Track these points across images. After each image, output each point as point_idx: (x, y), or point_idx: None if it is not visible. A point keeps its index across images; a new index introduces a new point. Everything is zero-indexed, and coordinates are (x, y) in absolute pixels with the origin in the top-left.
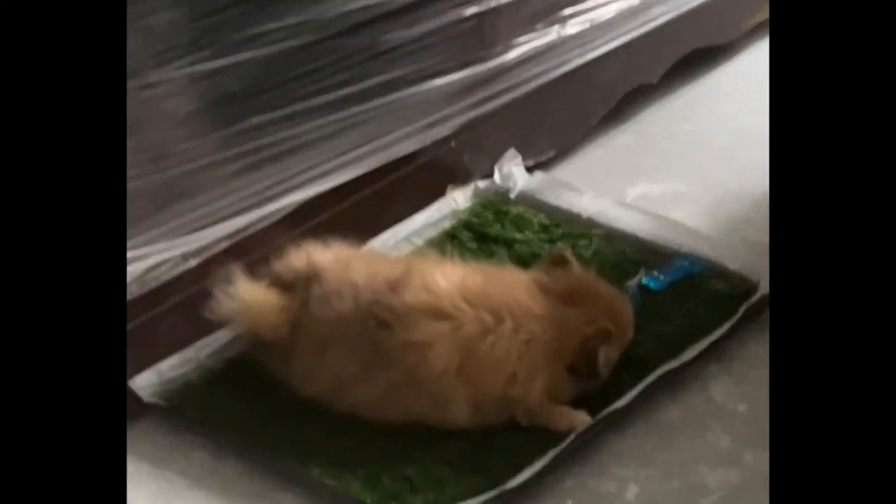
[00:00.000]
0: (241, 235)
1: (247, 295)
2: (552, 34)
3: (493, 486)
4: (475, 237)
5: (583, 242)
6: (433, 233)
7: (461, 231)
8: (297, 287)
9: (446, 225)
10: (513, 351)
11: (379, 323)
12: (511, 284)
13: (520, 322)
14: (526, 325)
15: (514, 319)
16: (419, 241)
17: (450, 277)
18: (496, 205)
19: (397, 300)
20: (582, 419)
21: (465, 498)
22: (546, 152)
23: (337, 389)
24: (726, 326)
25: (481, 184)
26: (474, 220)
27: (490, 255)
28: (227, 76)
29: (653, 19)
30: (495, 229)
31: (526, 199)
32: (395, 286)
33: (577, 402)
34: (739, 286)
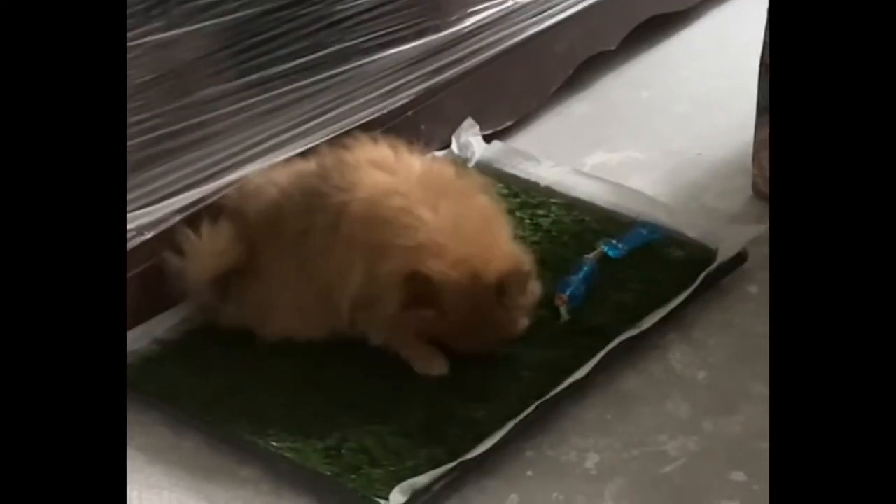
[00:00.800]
0: (196, 208)
1: (197, 240)
2: (508, 2)
3: (453, 458)
4: None
5: (541, 212)
6: None
7: None
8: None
9: None
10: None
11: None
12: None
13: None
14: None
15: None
16: None
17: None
18: None
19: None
20: (439, 367)
21: (424, 469)
22: (503, 121)
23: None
24: (685, 294)
25: (439, 153)
26: None
27: None
28: (180, 46)
29: None
30: None
31: (484, 168)
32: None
33: (536, 367)
34: (698, 253)
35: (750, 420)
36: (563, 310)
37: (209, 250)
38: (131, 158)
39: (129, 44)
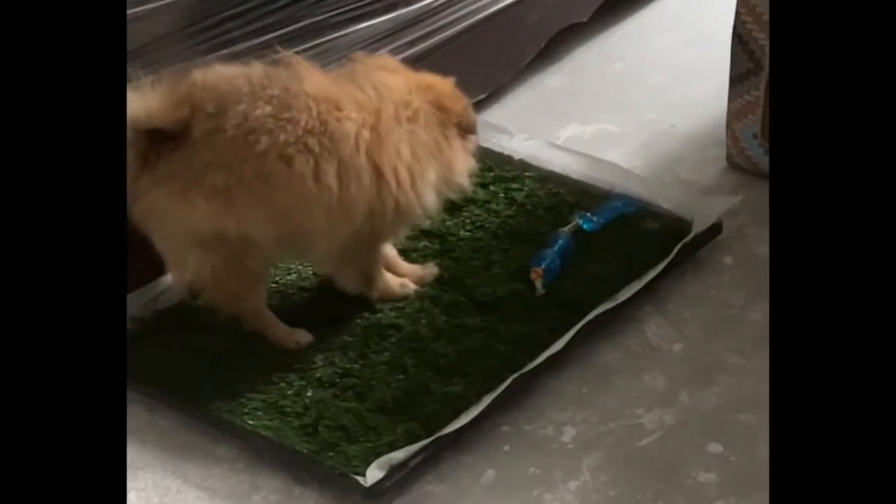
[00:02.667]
0: None
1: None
2: None
3: (429, 433)
4: None
5: (515, 185)
6: None
7: None
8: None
9: None
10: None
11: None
12: None
13: None
14: None
15: None
16: None
17: None
18: None
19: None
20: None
21: (401, 445)
22: (476, 94)
23: None
24: (660, 266)
25: None
26: None
27: None
28: (150, 21)
29: None
30: None
31: None
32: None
33: (510, 349)
34: (673, 225)
35: (726, 392)
36: (538, 283)
37: (154, 98)
38: None
39: None
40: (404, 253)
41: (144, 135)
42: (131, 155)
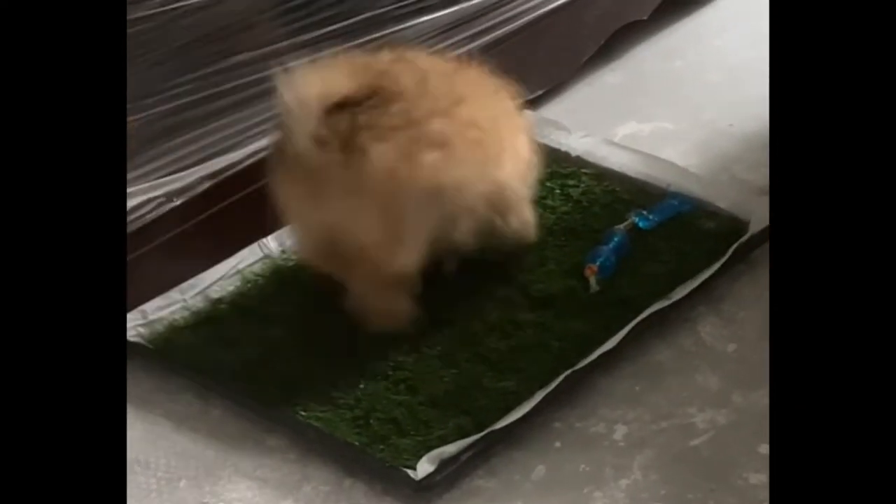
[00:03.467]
0: (227, 174)
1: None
2: None
3: (481, 428)
4: None
5: (571, 182)
6: None
7: None
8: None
9: None
10: None
11: None
12: None
13: None
14: None
15: None
16: None
17: None
18: None
19: None
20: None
21: (452, 439)
22: (535, 90)
23: None
24: (716, 266)
25: None
26: None
27: None
28: (212, 12)
29: None
30: None
31: None
32: None
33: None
34: (729, 225)
35: None
36: (592, 280)
37: (324, 76)
38: (162, 124)
39: (160, 9)
40: None
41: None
42: (324, 133)
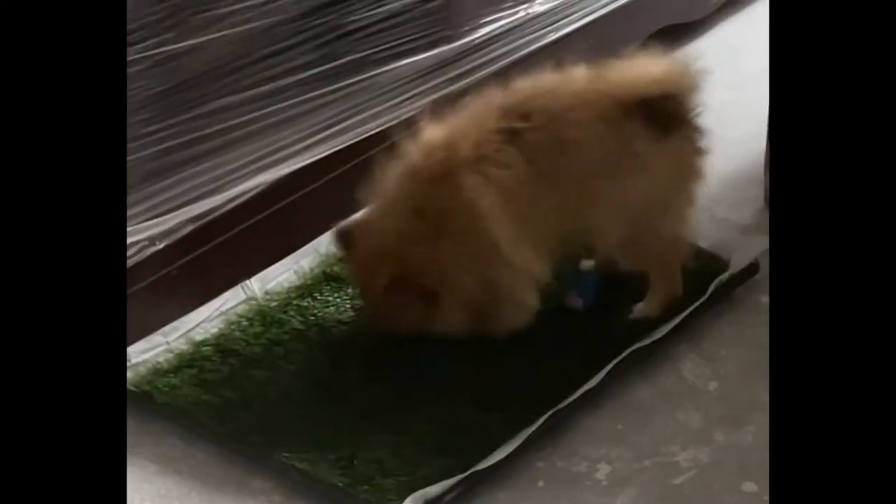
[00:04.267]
0: (210, 217)
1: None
2: (520, 13)
3: (465, 468)
4: None
5: None
6: None
7: None
8: None
9: None
10: None
11: None
12: None
13: None
14: None
15: None
16: None
17: None
18: None
19: None
20: None
21: (436, 479)
22: None
23: None
24: (697, 304)
25: None
26: None
27: None
28: (193, 57)
29: None
30: None
31: None
32: None
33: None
34: (709, 264)
35: (761, 431)
36: (577, 304)
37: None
38: (144, 168)
39: (141, 55)
40: None
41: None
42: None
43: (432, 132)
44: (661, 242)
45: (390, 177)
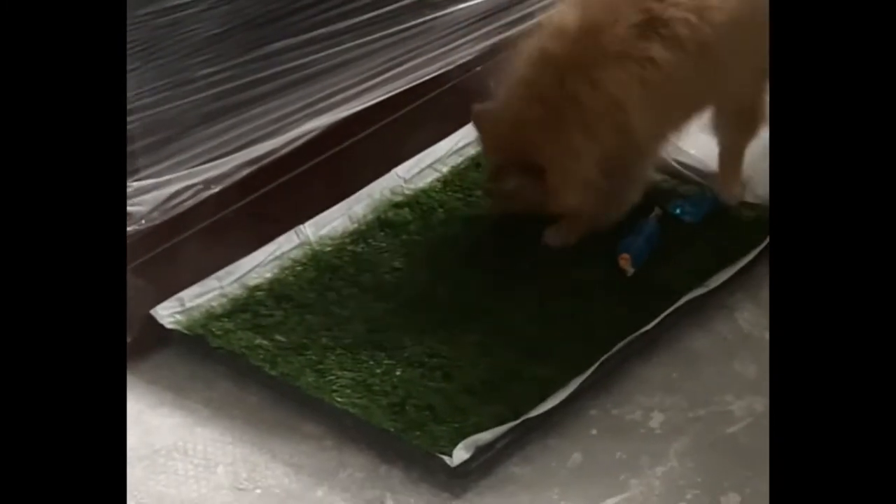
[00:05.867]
0: (264, 162)
1: None
2: None
3: (517, 415)
4: None
5: None
6: (458, 160)
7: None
8: None
9: (471, 152)
10: None
11: None
12: None
13: None
14: None
15: None
16: (444, 169)
17: None
18: None
19: None
20: None
21: (488, 426)
22: None
23: None
24: (753, 254)
25: None
26: None
27: None
28: (249, 0)
29: None
30: None
31: None
32: None
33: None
34: (766, 214)
35: None
36: (627, 267)
37: None
38: (200, 111)
39: None
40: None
41: None
42: None
43: (568, 15)
44: (763, 108)
45: (522, 55)
